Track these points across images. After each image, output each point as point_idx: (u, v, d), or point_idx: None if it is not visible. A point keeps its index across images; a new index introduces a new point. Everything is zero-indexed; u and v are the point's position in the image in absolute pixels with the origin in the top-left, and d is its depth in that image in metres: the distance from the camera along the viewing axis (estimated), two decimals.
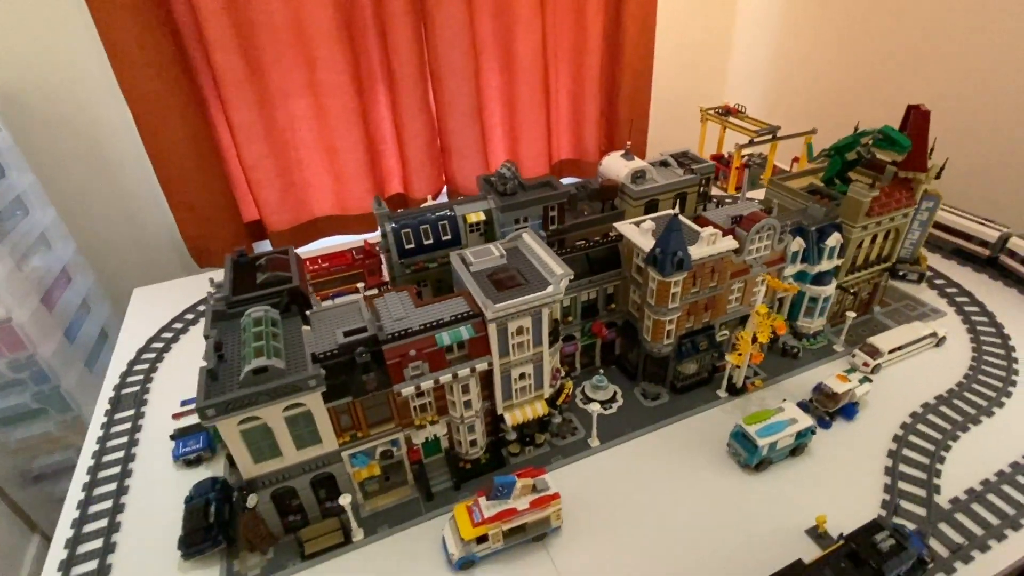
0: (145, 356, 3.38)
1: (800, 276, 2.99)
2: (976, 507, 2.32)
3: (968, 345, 3.16)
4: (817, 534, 2.24)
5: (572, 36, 5.19)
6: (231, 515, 2.38)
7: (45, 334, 3.61)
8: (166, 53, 3.87)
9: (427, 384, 2.24)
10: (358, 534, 2.34)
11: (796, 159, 4.89)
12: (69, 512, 2.49)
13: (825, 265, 2.94)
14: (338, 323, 2.37)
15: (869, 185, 2.87)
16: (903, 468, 2.49)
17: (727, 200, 4.67)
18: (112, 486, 2.58)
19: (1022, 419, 2.71)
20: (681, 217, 2.83)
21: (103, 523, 2.42)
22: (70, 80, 4.04)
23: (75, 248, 4.32)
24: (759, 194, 4.44)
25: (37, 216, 3.96)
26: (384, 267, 3.71)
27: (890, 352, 2.98)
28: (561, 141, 5.75)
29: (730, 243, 2.60)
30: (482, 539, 2.16)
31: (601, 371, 3.00)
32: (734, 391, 2.93)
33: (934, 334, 3.11)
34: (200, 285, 4.11)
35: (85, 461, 2.72)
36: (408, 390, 2.22)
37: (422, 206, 3.10)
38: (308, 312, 2.43)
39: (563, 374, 2.69)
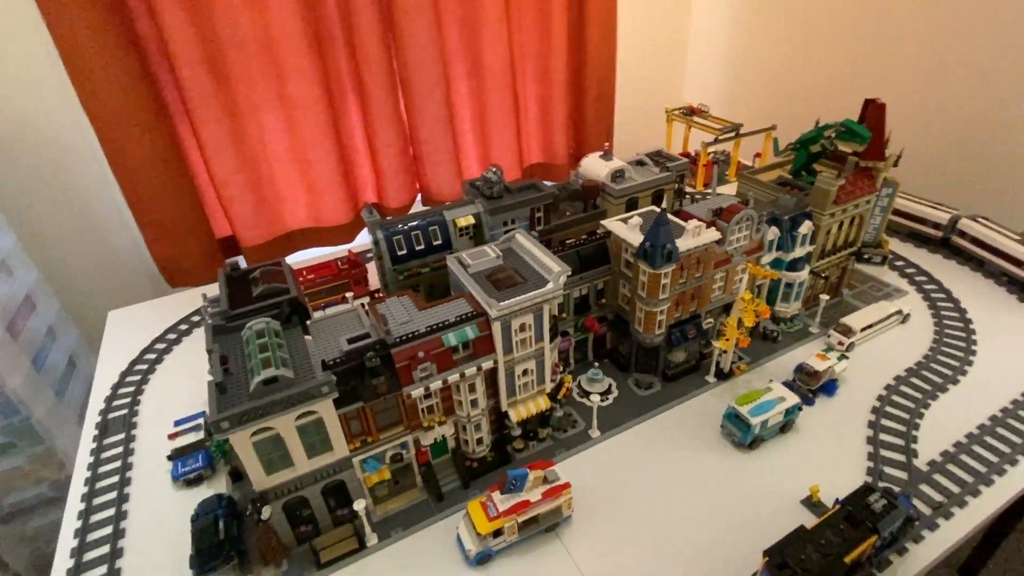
0: (130, 379, 3.28)
1: (776, 263, 3.16)
2: (951, 467, 2.51)
3: (930, 320, 3.39)
4: (811, 503, 2.38)
5: (538, 44, 5.31)
6: (240, 530, 2.35)
7: (12, 364, 3.47)
8: (130, 70, 3.78)
9: (436, 385, 2.27)
10: (372, 539, 2.35)
11: (758, 154, 5.12)
12: (66, 542, 2.40)
13: (799, 252, 3.12)
14: (339, 331, 2.38)
15: (835, 175, 3.06)
16: (883, 437, 2.67)
17: (697, 196, 4.86)
18: (110, 511, 2.50)
19: (984, 384, 2.93)
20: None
21: (105, 549, 2.35)
22: (28, 100, 3.90)
23: (38, 274, 4.15)
24: (727, 189, 4.64)
25: None
26: (370, 276, 3.73)
27: (862, 330, 3.18)
28: (531, 146, 5.86)
29: (713, 234, 2.73)
30: (498, 533, 2.20)
31: (596, 364, 3.09)
32: (722, 376, 3.07)
33: (899, 311, 3.33)
34: (178, 304, 4.01)
35: (78, 489, 2.62)
36: (418, 392, 2.25)
37: (409, 213, 3.14)
38: (308, 322, 2.43)
39: (562, 369, 2.77)
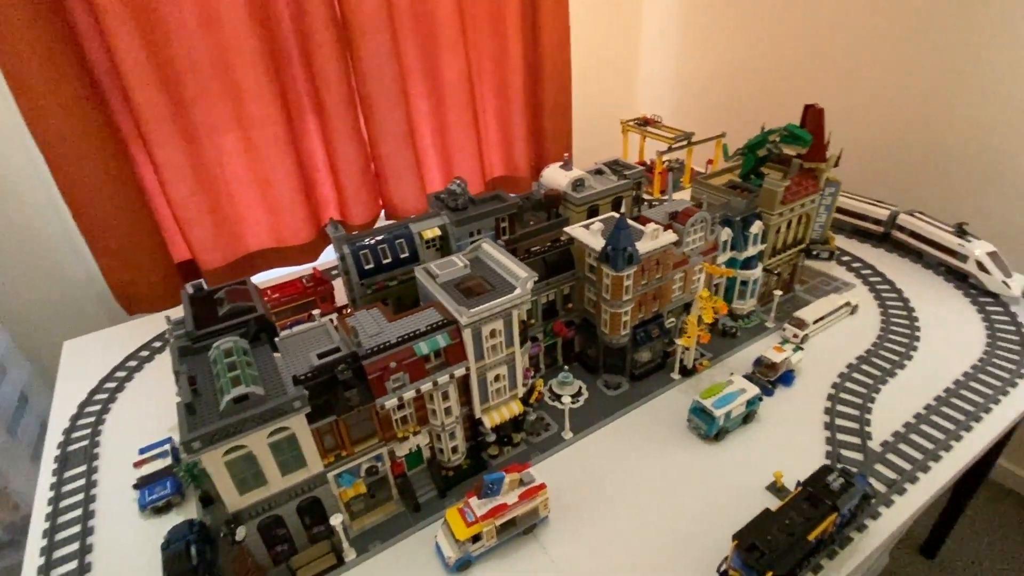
0: (89, 409, 3.17)
1: (731, 262, 3.30)
2: (902, 446, 2.66)
3: (877, 310, 3.60)
4: (776, 488, 2.48)
5: (494, 60, 5.43)
6: (214, 555, 2.30)
7: None
8: (80, 94, 3.70)
9: (409, 394, 2.29)
10: (350, 554, 2.33)
11: (710, 161, 5.34)
12: None
13: (751, 251, 3.27)
14: (308, 347, 2.38)
15: (781, 176, 3.24)
16: (839, 421, 2.81)
17: (655, 203, 5.03)
18: (75, 546, 2.40)
19: (928, 368, 3.13)
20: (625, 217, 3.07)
21: None
22: None
23: None
24: (684, 195, 4.82)
25: None
26: (336, 293, 3.71)
27: (814, 323, 3.34)
28: (493, 159, 5.96)
29: (670, 236, 2.85)
30: (476, 538, 2.23)
31: (566, 368, 3.16)
32: (686, 372, 3.18)
33: (848, 303, 3.52)
34: (137, 331, 3.91)
35: (38, 527, 2.51)
36: (391, 402, 2.26)
37: (376, 227, 3.16)
38: (276, 339, 2.42)
39: (533, 374, 2.82)
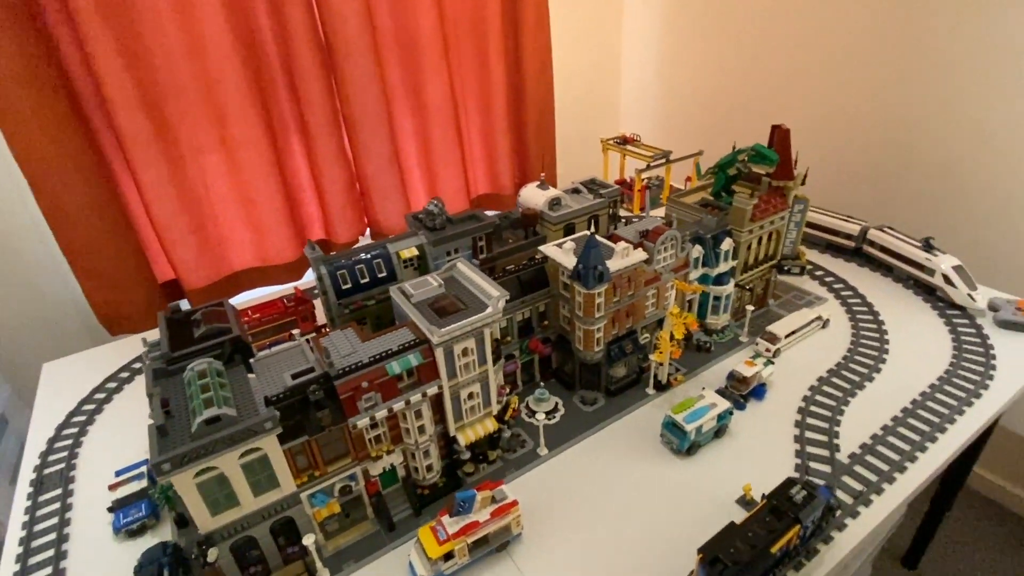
0: (67, 431, 3.17)
1: (703, 279, 3.37)
2: (869, 458, 2.71)
3: (848, 324, 3.67)
4: (745, 501, 2.52)
5: (477, 80, 5.54)
6: None
7: None
8: (64, 116, 3.75)
9: (381, 414, 2.33)
10: (324, 574, 2.34)
11: (689, 178, 5.44)
12: None
13: (723, 267, 3.35)
14: (283, 367, 2.41)
15: (749, 195, 3.33)
16: (808, 434, 2.86)
17: (634, 219, 5.11)
18: (47, 571, 2.39)
19: (895, 380, 3.19)
20: (596, 236, 3.14)
21: None
22: None
23: None
24: (662, 211, 4.90)
25: None
26: (316, 312, 3.75)
27: (786, 337, 3.41)
28: (477, 177, 6.05)
29: (640, 255, 2.91)
30: (449, 556, 2.25)
31: (542, 384, 3.20)
32: (660, 387, 3.23)
33: (820, 317, 3.59)
34: (117, 353, 3.92)
35: (12, 550, 2.51)
36: (363, 422, 2.30)
37: (354, 247, 3.21)
38: (251, 360, 2.46)
39: (508, 391, 2.86)
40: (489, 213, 5.91)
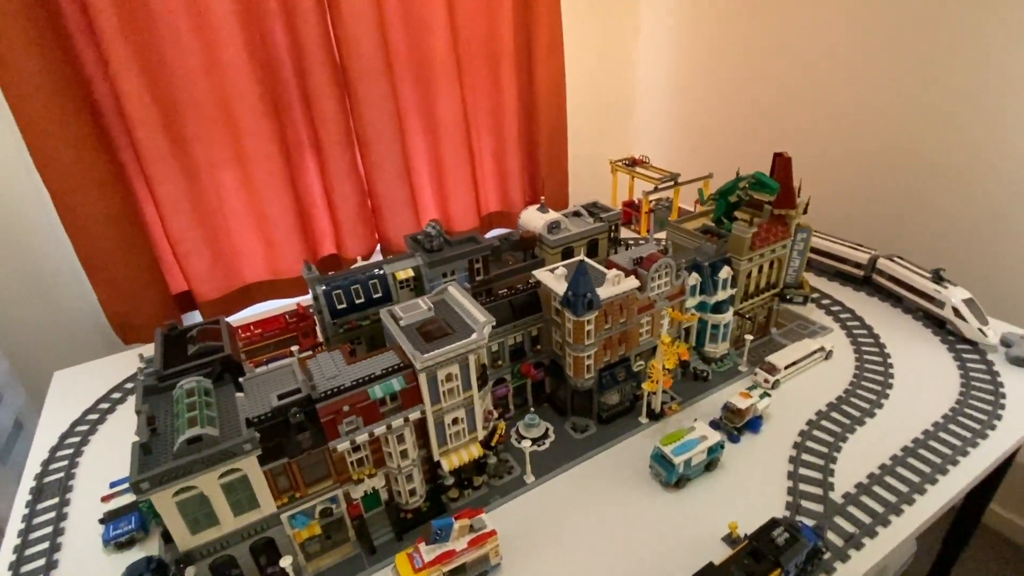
0: (69, 441, 3.27)
1: (701, 307, 3.33)
2: (864, 499, 2.62)
3: (852, 356, 3.58)
4: (731, 540, 2.46)
5: (490, 100, 5.61)
6: None
7: None
8: (85, 131, 3.90)
9: (362, 438, 2.34)
10: None
11: (697, 201, 5.39)
12: None
13: (721, 295, 3.30)
14: (272, 387, 2.44)
15: (747, 223, 3.29)
16: (802, 471, 2.79)
17: (640, 241, 5.09)
18: None
19: (897, 417, 3.09)
20: (589, 261, 3.14)
21: None
22: None
23: None
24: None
25: None
26: (318, 329, 3.80)
27: (785, 368, 3.34)
28: (488, 195, 6.09)
29: (633, 282, 2.89)
30: None
31: (532, 410, 3.18)
32: (654, 416, 3.18)
33: (822, 348, 3.51)
34: (126, 363, 4.03)
35: (6, 557, 2.59)
36: (344, 445, 2.32)
37: (352, 267, 3.27)
38: (241, 379, 2.50)
39: (496, 416, 2.85)
40: (499, 231, 5.99)
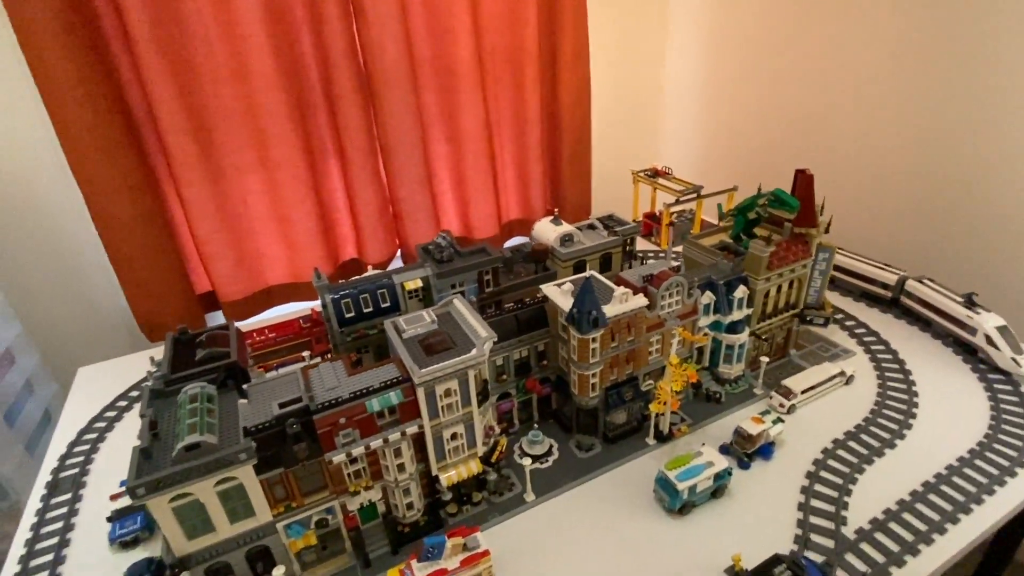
0: (86, 437, 3.37)
1: (715, 326, 3.24)
2: (879, 536, 2.49)
3: (875, 381, 3.42)
4: (734, 572, 2.37)
5: (512, 109, 5.59)
6: None
7: None
8: (118, 136, 4.04)
9: (358, 450, 2.34)
10: None
11: (722, 216, 5.27)
12: None
13: (736, 315, 3.20)
14: (275, 395, 2.46)
15: (765, 241, 3.18)
16: (814, 503, 2.67)
17: (660, 255, 4.99)
18: (44, 575, 2.55)
19: (921, 449, 2.94)
20: (598, 277, 3.09)
21: None
22: (20, 163, 4.16)
23: (20, 329, 4.32)
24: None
25: None
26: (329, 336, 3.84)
27: (802, 392, 3.21)
28: (509, 203, 6.07)
29: (640, 301, 2.83)
30: None
31: (536, 426, 3.14)
32: (662, 438, 3.10)
33: (842, 373, 3.37)
34: (145, 362, 4.12)
35: (17, 550, 2.68)
36: (340, 457, 2.32)
37: (363, 275, 3.29)
38: (245, 386, 2.53)
39: (498, 432, 2.82)
40: (518, 239, 5.95)
